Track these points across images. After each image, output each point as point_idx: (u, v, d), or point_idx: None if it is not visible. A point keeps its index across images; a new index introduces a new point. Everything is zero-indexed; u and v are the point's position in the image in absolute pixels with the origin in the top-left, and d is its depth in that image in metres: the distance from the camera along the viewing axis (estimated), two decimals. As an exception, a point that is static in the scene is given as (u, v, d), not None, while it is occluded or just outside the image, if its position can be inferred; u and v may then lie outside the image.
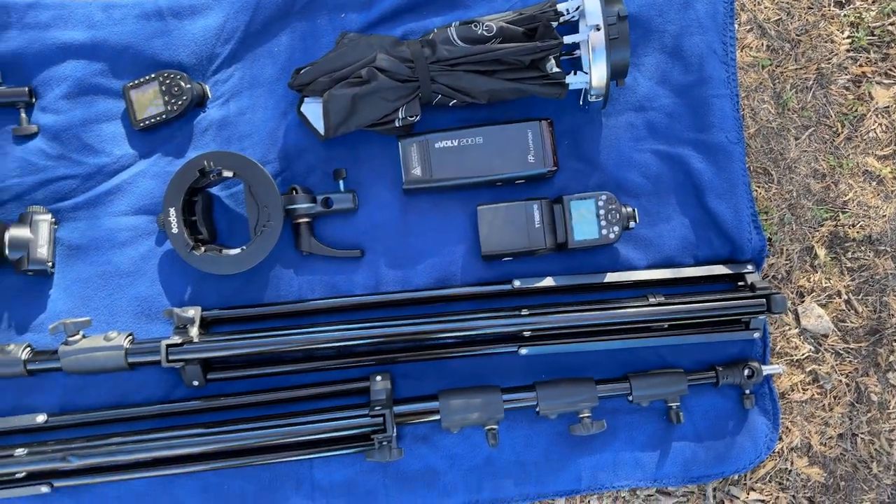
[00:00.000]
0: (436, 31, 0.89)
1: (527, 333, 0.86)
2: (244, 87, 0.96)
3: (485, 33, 0.87)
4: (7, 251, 0.86)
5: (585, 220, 0.89)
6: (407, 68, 0.86)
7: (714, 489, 0.94)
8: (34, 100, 0.94)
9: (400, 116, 0.89)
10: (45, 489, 0.85)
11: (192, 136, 0.95)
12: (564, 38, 0.84)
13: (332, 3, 0.97)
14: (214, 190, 0.94)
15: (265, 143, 0.95)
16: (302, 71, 0.91)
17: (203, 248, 0.89)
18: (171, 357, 0.83)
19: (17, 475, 0.84)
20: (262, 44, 0.97)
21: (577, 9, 0.86)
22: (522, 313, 0.86)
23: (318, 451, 0.89)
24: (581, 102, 0.93)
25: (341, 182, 0.93)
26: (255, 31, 0.96)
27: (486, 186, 0.93)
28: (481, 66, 0.88)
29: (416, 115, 0.89)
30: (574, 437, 0.90)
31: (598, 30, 0.80)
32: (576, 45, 0.90)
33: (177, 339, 0.84)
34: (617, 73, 0.84)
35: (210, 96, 0.95)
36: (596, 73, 0.83)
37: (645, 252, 0.94)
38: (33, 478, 0.86)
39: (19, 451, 0.83)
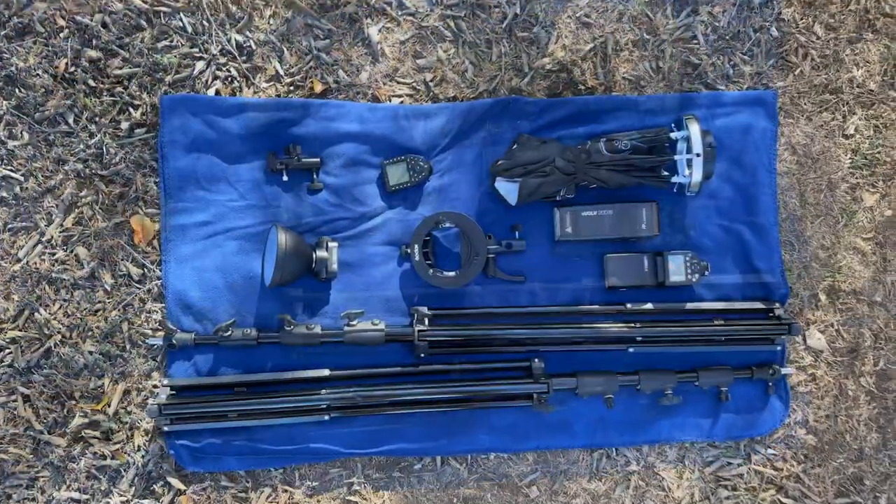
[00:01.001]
0: (590, 142, 1.39)
1: (639, 338, 1.36)
2: (454, 166, 1.46)
3: (622, 147, 1.36)
4: (315, 265, 1.35)
5: (677, 268, 1.39)
6: (571, 166, 1.36)
7: (744, 445, 1.44)
8: (322, 167, 1.44)
9: (561, 194, 1.39)
10: (326, 417, 1.35)
11: (421, 196, 1.45)
12: (680, 156, 1.34)
13: (513, 113, 1.47)
14: (436, 232, 1.44)
15: (466, 204, 1.45)
16: (500, 162, 1.40)
17: (431, 270, 1.38)
18: (420, 338, 1.32)
19: (321, 406, 1.33)
20: (466, 138, 1.47)
21: (684, 137, 1.36)
22: (636, 326, 1.36)
23: (494, 404, 1.39)
24: (675, 191, 1.43)
25: (517, 233, 1.42)
26: (463, 130, 1.46)
27: (610, 242, 1.44)
28: (617, 167, 1.37)
29: (573, 194, 1.39)
30: (659, 406, 1.40)
31: (699, 155, 1.30)
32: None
33: (423, 327, 1.33)
34: (705, 178, 1.34)
35: (433, 171, 1.44)
36: (695, 178, 1.34)
37: (710, 290, 1.45)
38: (325, 410, 1.35)
39: (324, 392, 1.32)
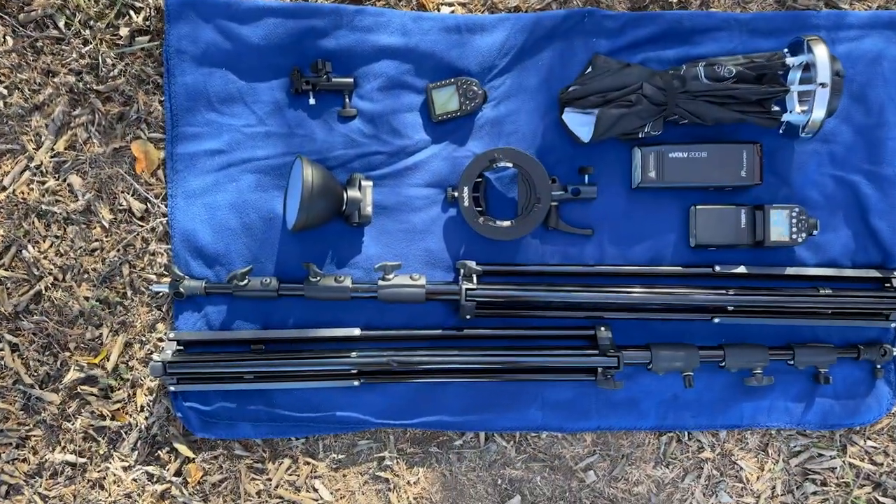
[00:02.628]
0: (685, 66, 1.13)
1: (729, 307, 1.15)
2: (512, 93, 1.22)
3: (725, 74, 1.11)
4: (345, 207, 1.14)
5: (781, 225, 1.15)
6: (662, 95, 1.11)
7: (840, 435, 1.23)
8: (355, 89, 1.20)
9: (646, 131, 1.15)
10: (356, 383, 1.17)
11: (472, 129, 1.21)
12: (797, 87, 1.09)
13: (588, 28, 1.21)
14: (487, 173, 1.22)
15: (527, 140, 1.21)
16: (571, 88, 1.16)
17: (482, 219, 1.17)
18: (468, 297, 1.12)
19: (350, 371, 1.15)
20: (530, 58, 1.22)
21: (801, 64, 1.10)
22: (725, 292, 1.14)
23: (551, 377, 1.20)
24: (781, 131, 1.18)
25: (586, 176, 1.19)
26: (527, 48, 1.21)
27: (700, 191, 1.20)
28: (716, 99, 1.12)
29: (659, 131, 1.15)
30: (743, 386, 1.19)
31: (825, 86, 1.05)
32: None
33: (471, 285, 1.13)
34: (829, 115, 1.09)
35: (488, 98, 1.21)
36: (816, 115, 1.08)
37: (815, 253, 1.21)
38: (354, 376, 1.16)
39: (353, 355, 1.14)
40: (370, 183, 1.18)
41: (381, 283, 1.16)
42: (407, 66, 1.21)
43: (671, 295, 1.17)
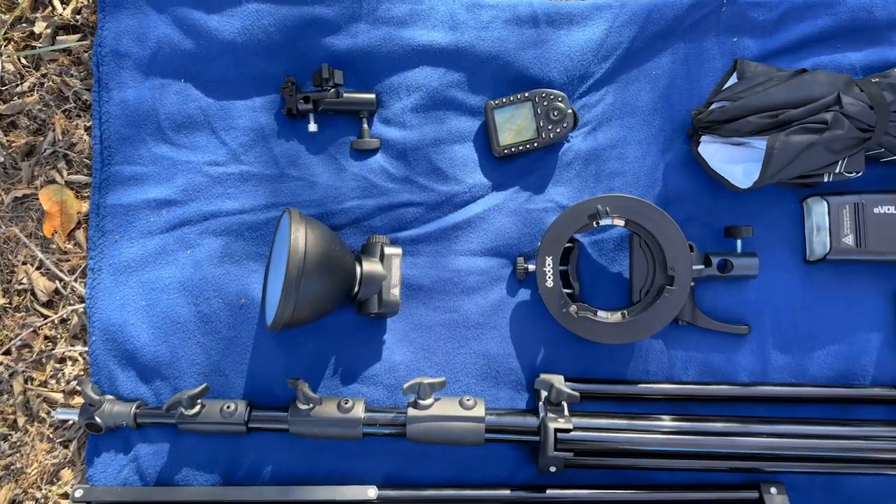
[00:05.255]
0: (898, 71, 0.73)
1: None
2: (615, 115, 0.80)
3: (977, 80, 0.70)
4: (358, 289, 0.73)
5: None
6: (873, 115, 0.70)
7: None
8: (378, 109, 0.80)
9: (836, 171, 0.73)
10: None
11: (555, 169, 0.80)
12: None
13: (724, 23, 0.81)
14: (578, 236, 0.80)
15: (641, 185, 0.79)
16: (714, 105, 0.75)
17: (575, 308, 0.75)
18: (558, 446, 0.68)
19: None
20: (640, 64, 0.81)
21: None
22: None
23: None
24: None
25: (739, 242, 0.77)
26: (636, 49, 0.81)
27: None
28: (956, 121, 0.71)
29: (860, 171, 0.73)
30: None
31: None
32: None
33: (565, 423, 0.69)
34: None
35: (579, 121, 0.81)
36: None
37: None
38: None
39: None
40: (398, 250, 0.75)
41: (412, 411, 0.72)
42: (457, 76, 0.80)
43: (877, 435, 0.73)
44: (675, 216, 0.78)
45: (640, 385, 0.76)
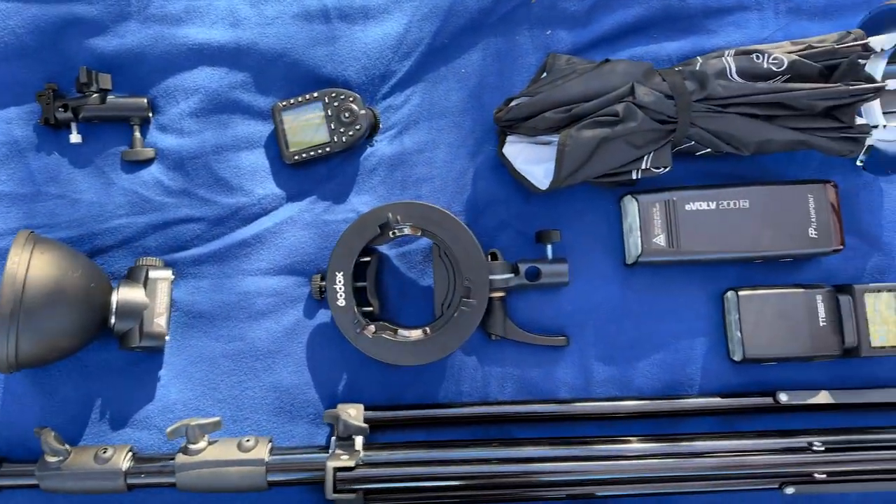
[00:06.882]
0: (701, 59, 0.68)
1: (820, 476, 0.65)
2: (422, 117, 0.74)
3: (772, 68, 0.66)
4: (114, 321, 0.64)
5: (885, 321, 0.68)
6: (671, 106, 0.66)
7: None
8: (152, 115, 0.72)
9: (642, 167, 0.69)
10: None
11: (357, 176, 0.73)
12: (891, 83, 0.65)
13: (535, 15, 0.76)
14: (383, 248, 0.73)
15: (450, 190, 0.73)
16: (514, 102, 0.70)
17: (374, 328, 0.67)
18: (339, 487, 0.61)
19: None
20: (448, 62, 0.75)
21: (894, 47, 0.67)
22: (816, 447, 0.65)
23: None
24: (860, 164, 0.73)
25: (549, 247, 0.72)
26: (440, 44, 0.75)
27: (738, 264, 0.73)
28: (759, 110, 0.67)
29: (667, 167, 0.68)
30: None
31: None
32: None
33: (347, 461, 0.61)
34: None
35: (380, 124, 0.75)
36: (940, 131, 0.63)
37: (940, 363, 0.74)
38: None
39: None
40: (167, 273, 0.66)
41: (181, 458, 0.62)
42: (241, 76, 0.72)
43: (704, 452, 0.68)
44: (487, 222, 0.73)
45: (449, 409, 0.69)
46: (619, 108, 0.64)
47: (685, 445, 0.67)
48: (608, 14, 0.76)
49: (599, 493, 0.67)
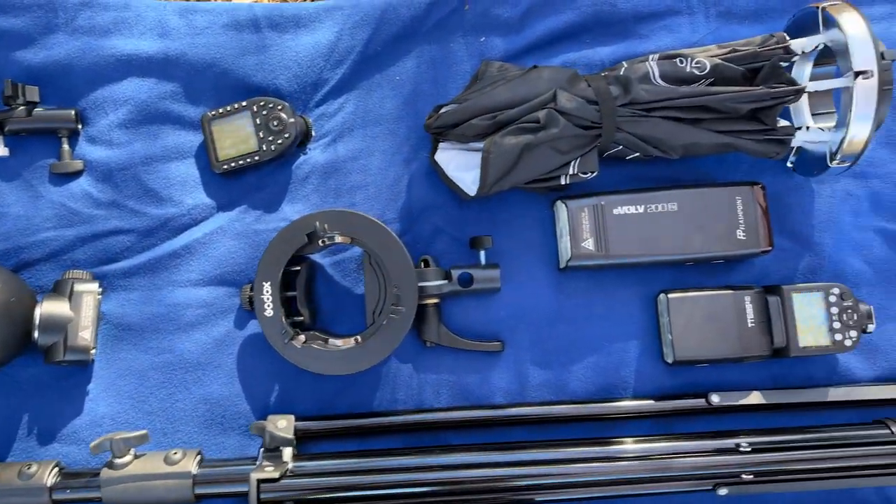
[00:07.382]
0: (626, 64, 0.69)
1: (740, 472, 0.65)
2: (356, 125, 0.74)
3: (695, 72, 0.67)
4: (37, 335, 0.63)
5: (812, 320, 0.69)
6: (594, 111, 0.67)
7: None
8: (81, 126, 0.71)
9: (570, 172, 0.69)
10: None
11: (289, 185, 0.73)
12: (816, 83, 0.65)
13: (469, 22, 0.76)
14: (316, 256, 0.73)
15: (384, 198, 0.73)
16: (444, 109, 0.70)
17: (303, 337, 0.67)
18: (263, 497, 0.60)
19: None
20: (382, 70, 0.76)
21: (815, 49, 0.67)
22: (742, 447, 0.65)
23: None
24: (790, 165, 0.74)
25: (482, 253, 0.72)
26: (373, 52, 0.75)
27: (668, 267, 0.73)
28: (683, 114, 0.68)
29: (594, 172, 0.69)
30: None
31: (869, 77, 0.61)
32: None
33: (272, 472, 0.61)
34: (876, 129, 0.65)
35: (314, 134, 0.75)
36: (857, 132, 0.63)
37: (870, 360, 0.73)
38: None
39: None
40: (93, 286, 0.66)
41: (106, 472, 0.62)
42: (170, 87, 0.72)
43: (636, 454, 0.68)
44: (421, 229, 0.73)
45: (382, 417, 0.69)
46: (541, 114, 0.64)
47: (619, 448, 0.67)
48: (541, 20, 0.76)
49: (539, 499, 0.67)
